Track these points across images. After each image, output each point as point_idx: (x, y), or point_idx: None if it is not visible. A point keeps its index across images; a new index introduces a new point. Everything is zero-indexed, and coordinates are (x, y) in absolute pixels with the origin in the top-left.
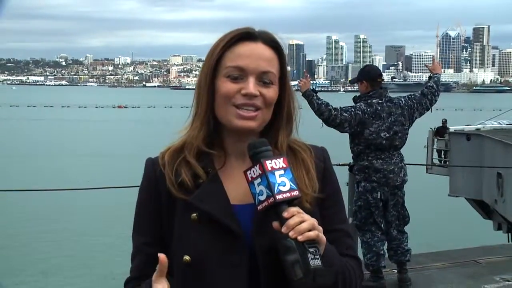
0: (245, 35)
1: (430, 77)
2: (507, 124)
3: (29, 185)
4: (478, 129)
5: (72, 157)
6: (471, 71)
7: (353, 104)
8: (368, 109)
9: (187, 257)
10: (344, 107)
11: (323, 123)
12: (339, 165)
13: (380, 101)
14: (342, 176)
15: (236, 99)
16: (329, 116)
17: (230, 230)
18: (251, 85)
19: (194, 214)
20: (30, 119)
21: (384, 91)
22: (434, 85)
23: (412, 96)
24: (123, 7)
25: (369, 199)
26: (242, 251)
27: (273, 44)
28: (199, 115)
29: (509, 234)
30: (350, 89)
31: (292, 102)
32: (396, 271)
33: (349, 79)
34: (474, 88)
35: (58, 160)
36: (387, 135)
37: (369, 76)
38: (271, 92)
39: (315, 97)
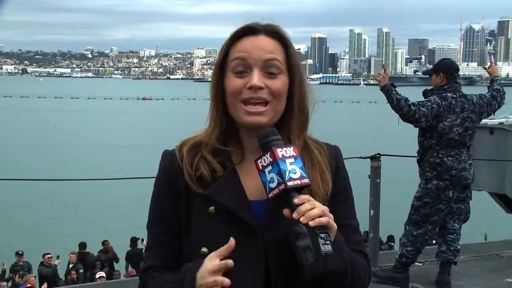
0: (248, 30)
1: (492, 80)
2: None
3: (56, 176)
4: (501, 123)
5: (98, 147)
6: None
7: (423, 97)
8: (443, 102)
9: (204, 249)
10: (420, 101)
11: (399, 119)
12: (361, 157)
13: (455, 96)
14: (364, 168)
15: (243, 94)
16: (408, 111)
17: (246, 223)
18: (255, 78)
19: (212, 208)
20: (57, 110)
21: (458, 85)
22: (501, 88)
23: (483, 96)
24: (147, 0)
25: (441, 197)
26: (259, 245)
27: (276, 35)
28: (213, 114)
29: None
30: (372, 82)
31: (304, 94)
32: (419, 264)
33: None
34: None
35: (84, 150)
36: (460, 130)
37: (447, 69)
38: (278, 83)
39: (394, 92)
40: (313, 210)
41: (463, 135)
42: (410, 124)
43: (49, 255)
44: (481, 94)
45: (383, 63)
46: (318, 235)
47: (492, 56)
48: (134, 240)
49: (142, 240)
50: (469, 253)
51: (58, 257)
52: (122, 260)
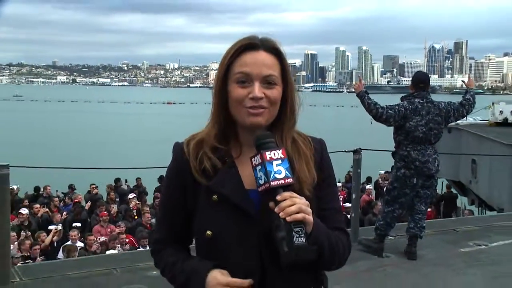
0: (249, 46)
1: (466, 91)
2: (480, 120)
3: (97, 164)
4: (457, 124)
5: (132, 142)
6: (452, 76)
7: (400, 102)
8: (410, 106)
9: (209, 232)
10: (389, 105)
11: (372, 119)
12: (345, 151)
13: (422, 101)
14: (348, 160)
15: (245, 102)
16: (376, 113)
17: (245, 211)
18: (256, 89)
19: (215, 196)
20: (99, 112)
21: (426, 93)
22: (471, 98)
23: (452, 103)
24: (172, 23)
25: (407, 183)
26: (255, 229)
27: (274, 50)
28: (213, 115)
29: (480, 208)
30: (353, 90)
31: (294, 99)
32: (392, 237)
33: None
34: (454, 90)
35: (122, 145)
36: (424, 129)
37: (413, 81)
38: (275, 93)
39: (366, 97)
40: (291, 207)
41: (427, 134)
42: (381, 123)
43: (94, 185)
44: (450, 102)
45: (359, 75)
46: (293, 230)
47: (470, 72)
48: (162, 178)
49: None
50: (430, 228)
51: (97, 186)
52: (151, 194)
